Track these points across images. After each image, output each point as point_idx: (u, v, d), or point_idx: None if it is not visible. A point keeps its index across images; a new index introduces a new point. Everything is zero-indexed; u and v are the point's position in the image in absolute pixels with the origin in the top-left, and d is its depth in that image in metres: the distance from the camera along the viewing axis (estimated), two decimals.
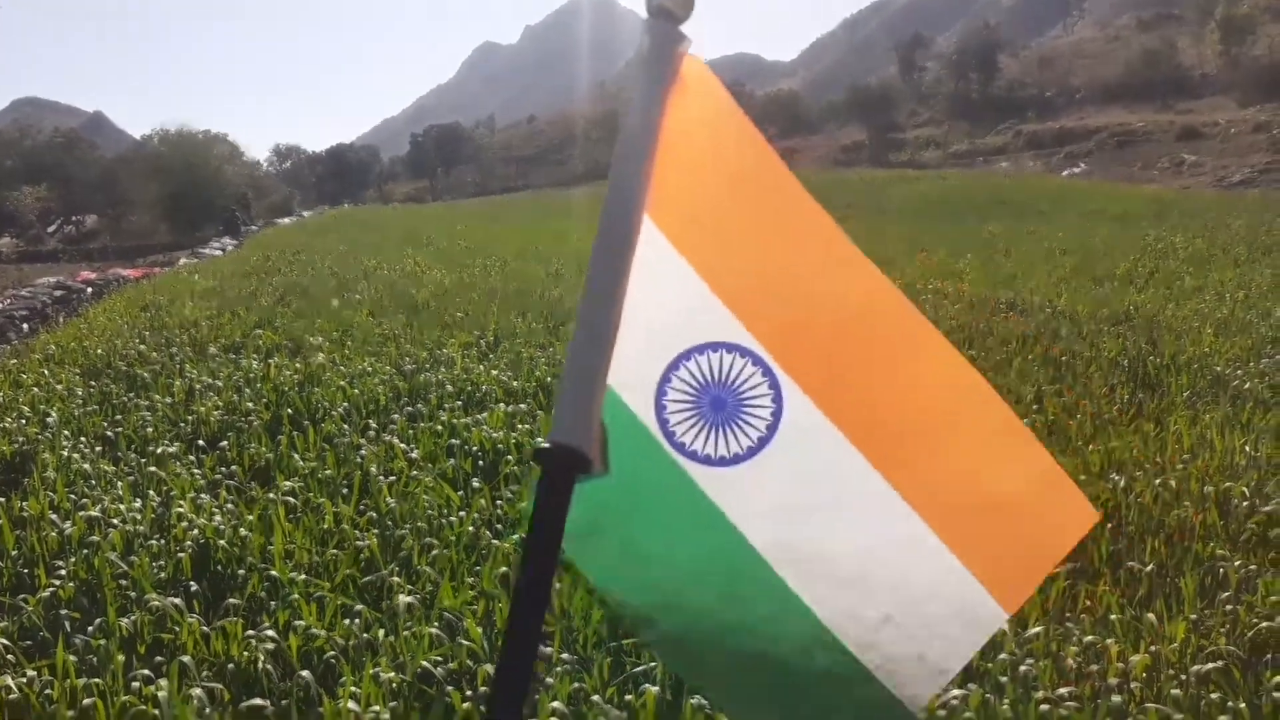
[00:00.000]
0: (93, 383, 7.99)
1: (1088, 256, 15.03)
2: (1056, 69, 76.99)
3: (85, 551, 4.42)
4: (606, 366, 1.13)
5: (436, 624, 3.69)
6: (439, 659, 3.47)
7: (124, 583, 4.15)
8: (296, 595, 3.96)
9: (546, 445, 1.09)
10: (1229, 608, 3.64)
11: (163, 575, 4.26)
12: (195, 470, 5.61)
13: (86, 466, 5.66)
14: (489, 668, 3.35)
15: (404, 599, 3.81)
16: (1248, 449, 5.31)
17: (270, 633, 3.70)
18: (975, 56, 72.87)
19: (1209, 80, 59.29)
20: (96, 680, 3.39)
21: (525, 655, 1.07)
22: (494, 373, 7.59)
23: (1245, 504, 4.50)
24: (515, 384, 7.24)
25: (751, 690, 1.28)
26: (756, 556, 1.22)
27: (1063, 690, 3.14)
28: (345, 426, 6.28)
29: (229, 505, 5.00)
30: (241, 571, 4.29)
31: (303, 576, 4.14)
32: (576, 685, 3.31)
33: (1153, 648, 3.39)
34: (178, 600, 3.91)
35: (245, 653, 3.58)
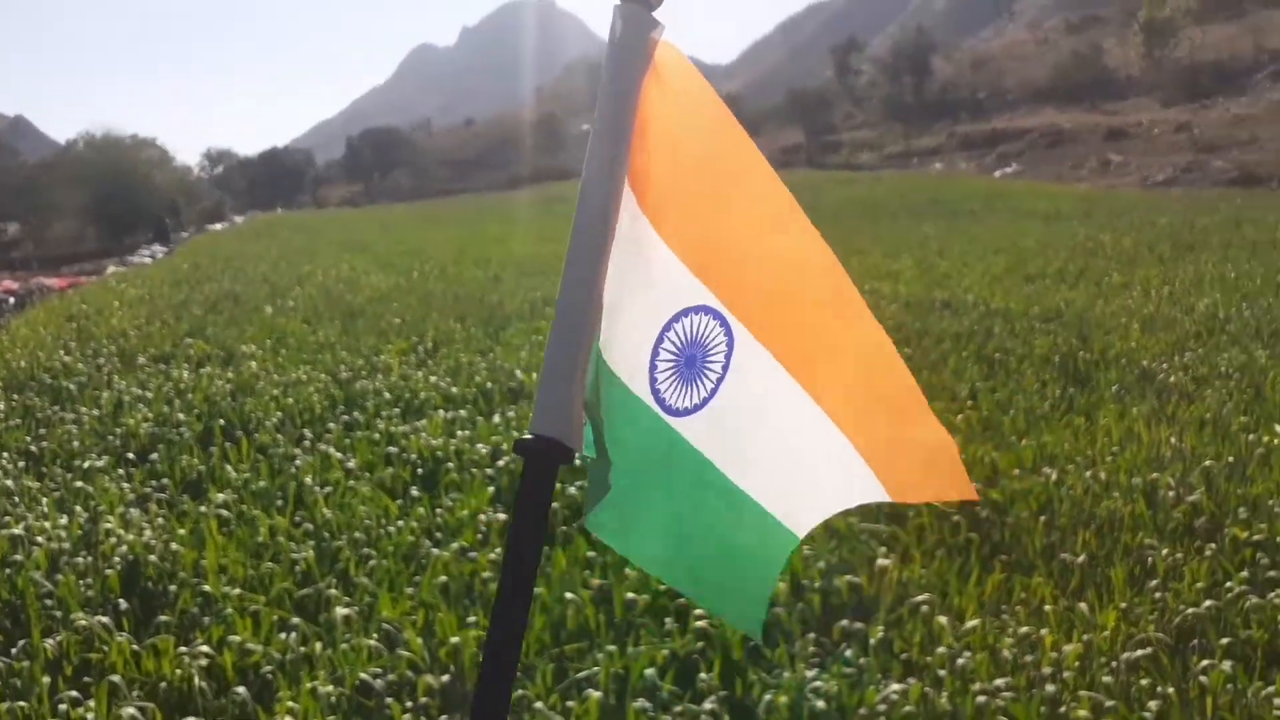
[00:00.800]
0: (15, 396, 7.75)
1: (1019, 255, 15.35)
2: (988, 71, 78.58)
3: (8, 571, 4.27)
4: (587, 356, 1.16)
5: (375, 636, 3.63)
6: (378, 671, 3.41)
7: (49, 602, 4.02)
8: (230, 610, 3.87)
9: (528, 437, 1.10)
10: (1157, 596, 3.73)
11: (90, 594, 4.13)
12: (124, 484, 5.46)
13: (9, 483, 5.48)
14: (429, 678, 3.31)
15: (341, 611, 3.75)
16: (1173, 440, 5.45)
17: (204, 649, 3.61)
18: (909, 60, 74.07)
19: (1133, 82, 60.94)
20: (21, 704, 3.28)
21: (510, 645, 1.07)
22: (432, 379, 7.52)
23: (1171, 494, 4.62)
24: (454, 390, 7.17)
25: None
26: (739, 493, 1.34)
27: (999, 681, 3.19)
28: (279, 437, 6.16)
29: (159, 520, 4.88)
30: (173, 587, 4.18)
31: (237, 591, 4.05)
32: (520, 692, 3.28)
33: (1085, 637, 3.46)
34: (106, 619, 3.80)
35: (178, 670, 3.49)
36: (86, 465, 5.76)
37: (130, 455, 6.04)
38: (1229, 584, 3.75)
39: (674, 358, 1.30)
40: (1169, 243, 15.62)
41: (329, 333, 10.04)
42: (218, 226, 44.77)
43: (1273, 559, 3.96)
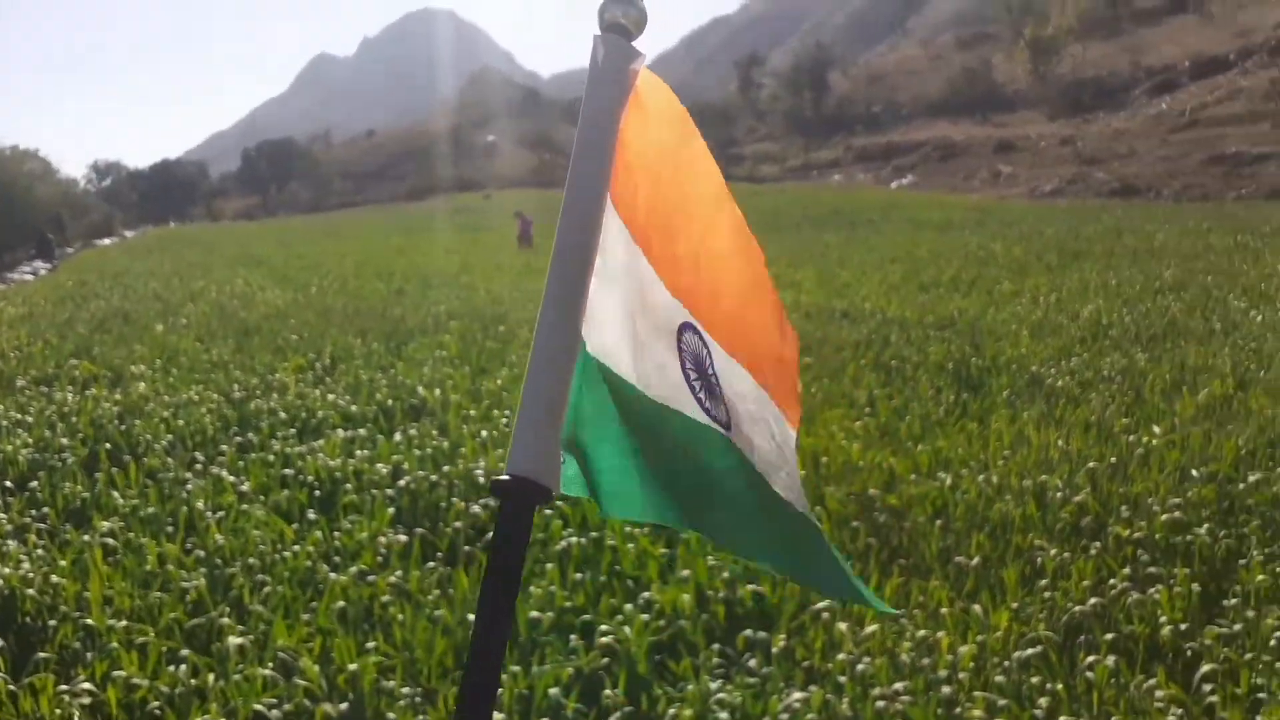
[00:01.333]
0: None
1: (915, 264, 15.77)
2: (883, 86, 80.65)
3: None
4: (566, 392, 1.14)
5: (270, 665, 3.52)
6: (273, 701, 3.31)
7: None
8: (116, 644, 3.71)
9: (504, 477, 1.06)
10: (1046, 595, 3.86)
11: None
12: (0, 515, 5.19)
13: None
14: (327, 707, 3.22)
15: (235, 640, 3.62)
16: (1060, 443, 5.65)
17: (86, 686, 3.45)
18: (808, 74, 75.59)
19: (1021, 96, 63.25)
20: None
21: (488, 686, 1.05)
22: (330, 397, 7.35)
23: (1059, 495, 4.79)
24: (354, 409, 7.02)
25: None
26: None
27: (898, 685, 3.25)
28: (170, 460, 5.94)
29: (39, 551, 4.64)
30: (53, 622, 3.98)
31: (123, 623, 3.88)
32: (420, 718, 3.22)
33: (979, 638, 3.55)
34: None
35: (58, 710, 3.33)
36: None
37: (8, 483, 5.74)
38: (1112, 581, 3.90)
39: (698, 377, 1.35)
40: (1056, 252, 16.24)
41: (222, 351, 9.74)
42: (106, 241, 43.07)
43: (1152, 556, 4.13)
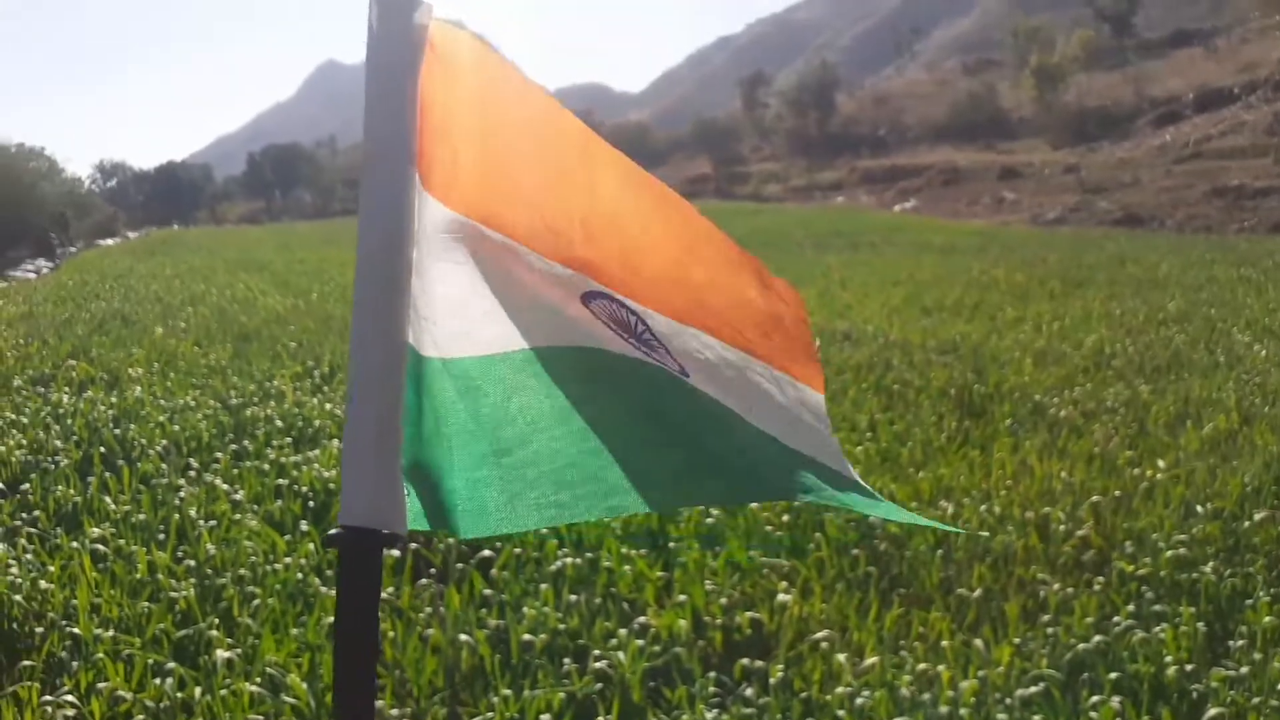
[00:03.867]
0: None
1: (917, 288, 15.74)
2: (889, 108, 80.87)
3: None
4: (396, 413, 1.02)
5: (258, 680, 3.46)
6: (260, 718, 3.24)
7: None
8: (102, 654, 3.64)
9: (337, 530, 0.97)
10: (1050, 630, 3.80)
11: None
12: None
13: None
14: None
15: (223, 654, 3.56)
16: (1064, 474, 5.60)
17: (69, 698, 3.39)
18: (813, 95, 75.80)
19: (1025, 123, 63.41)
20: None
21: None
22: (328, 406, 7.29)
23: (1062, 528, 4.73)
24: None
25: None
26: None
27: None
28: (164, 466, 5.88)
29: (28, 556, 4.58)
30: (40, 629, 3.92)
31: (110, 633, 3.82)
32: None
33: (981, 673, 3.49)
34: None
35: None
36: None
37: (0, 485, 5.69)
38: (1116, 618, 3.84)
39: (625, 332, 1.27)
40: (1059, 279, 16.21)
41: (221, 356, 9.69)
42: (109, 241, 43.06)
43: (1157, 593, 4.07)
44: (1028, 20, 79.05)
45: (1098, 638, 3.66)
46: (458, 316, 1.17)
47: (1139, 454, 6.03)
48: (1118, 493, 5.24)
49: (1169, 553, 4.35)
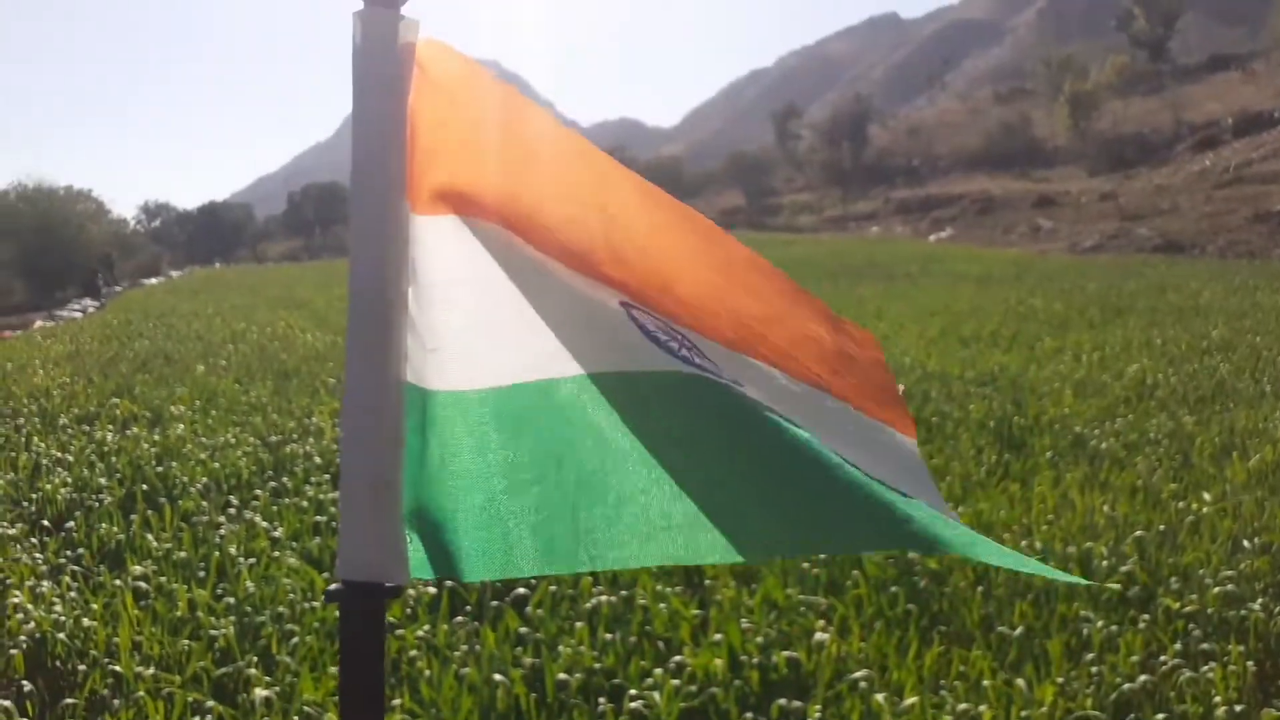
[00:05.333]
0: None
1: (954, 318, 15.62)
2: (922, 138, 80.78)
3: None
4: (394, 457, 0.99)
5: (296, 719, 3.47)
6: None
7: None
8: (143, 692, 3.68)
9: (337, 585, 0.95)
10: (1094, 669, 3.72)
11: None
12: (37, 554, 5.21)
13: None
14: None
15: (261, 693, 3.58)
16: (1106, 508, 5.50)
17: None
18: (846, 126, 75.94)
19: (1061, 151, 63.05)
20: None
21: None
22: None
23: (1106, 563, 4.65)
24: None
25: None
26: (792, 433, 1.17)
27: None
28: (204, 504, 5.95)
29: (72, 593, 4.65)
30: (82, 667, 3.97)
31: (151, 670, 3.86)
32: None
33: (1024, 714, 3.43)
34: (8, 703, 3.59)
35: None
36: None
37: (46, 523, 5.78)
38: (1163, 657, 3.75)
39: (670, 338, 1.16)
40: (1098, 307, 16.03)
41: (261, 393, 9.81)
42: (153, 281, 43.89)
43: (1204, 631, 3.98)
44: (1061, 48, 78.82)
45: (1144, 677, 3.59)
46: (467, 345, 1.11)
47: (1183, 487, 5.92)
48: (1162, 527, 5.15)
49: (1216, 589, 4.26)
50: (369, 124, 1.01)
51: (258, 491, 6.18)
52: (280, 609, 4.34)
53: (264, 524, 5.46)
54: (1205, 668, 3.63)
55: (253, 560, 4.95)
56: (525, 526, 1.07)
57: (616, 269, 1.19)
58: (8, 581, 4.80)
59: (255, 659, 3.94)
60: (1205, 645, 3.84)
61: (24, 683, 3.82)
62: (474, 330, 1.12)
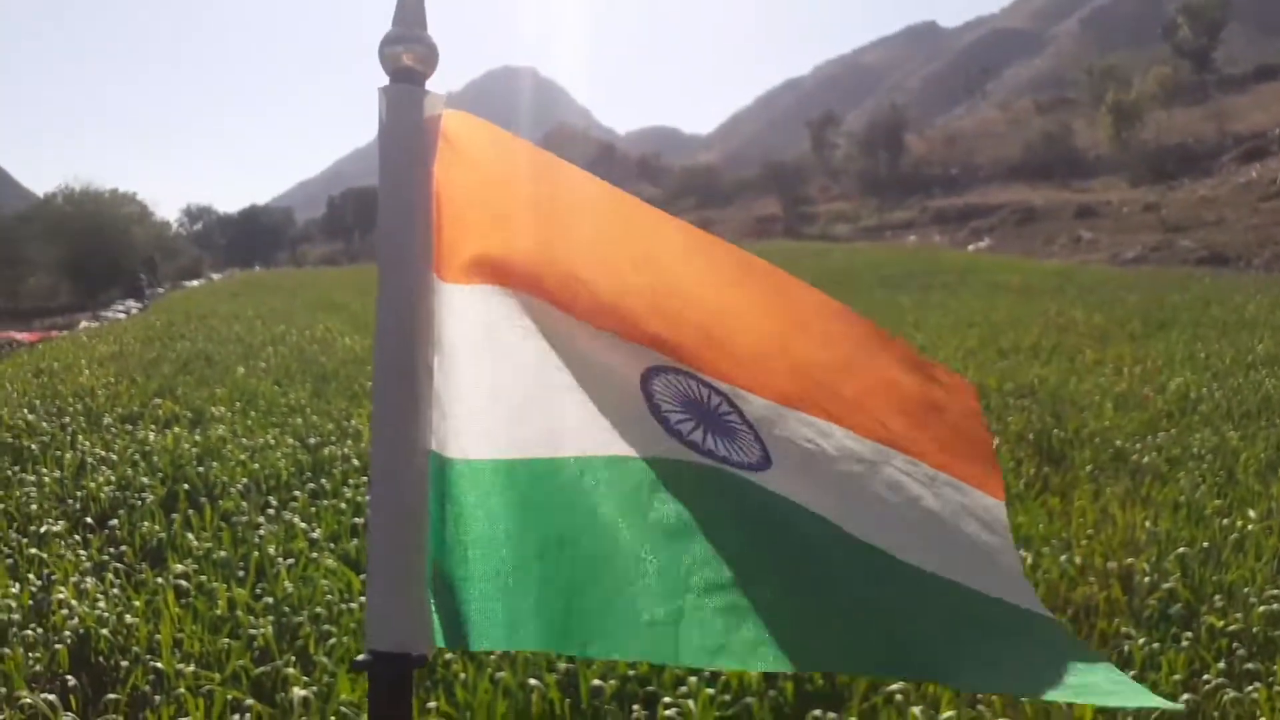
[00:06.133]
0: None
1: (993, 329, 15.47)
2: (960, 148, 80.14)
3: None
4: (421, 525, 0.99)
5: (333, 718, 3.51)
6: None
7: None
8: (183, 689, 3.73)
9: (365, 656, 0.95)
10: None
11: (38, 669, 3.98)
12: (81, 551, 5.31)
13: None
14: None
15: (299, 692, 3.62)
16: (1148, 524, 5.42)
17: None
18: (883, 134, 75.55)
19: (1102, 161, 62.26)
20: None
21: None
22: None
23: (1148, 580, 4.58)
24: None
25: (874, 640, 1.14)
26: (840, 534, 1.15)
27: None
28: (244, 504, 6.03)
29: (115, 590, 4.72)
30: (125, 663, 4.03)
31: (191, 668, 3.91)
32: None
33: None
34: (52, 697, 3.65)
35: None
36: (44, 530, 5.59)
37: (89, 520, 5.88)
38: (1206, 676, 3.69)
39: (687, 414, 1.14)
40: (1140, 320, 15.80)
41: (300, 395, 9.92)
42: (194, 283, 44.53)
43: (1249, 650, 3.91)
44: (1103, 58, 77.98)
45: (1186, 696, 3.53)
46: (484, 414, 1.10)
47: (1228, 503, 5.82)
48: (1206, 544, 5.06)
49: (1261, 608, 4.18)
50: (396, 196, 1.04)
51: (296, 493, 6.25)
52: (318, 609, 4.39)
53: (302, 525, 5.53)
54: (1250, 688, 3.57)
55: (291, 561, 5.01)
56: (529, 600, 1.07)
57: (656, 322, 1.18)
58: (53, 577, 4.89)
59: (293, 658, 3.98)
60: (1250, 665, 3.77)
61: (68, 677, 3.89)
62: (491, 400, 1.12)
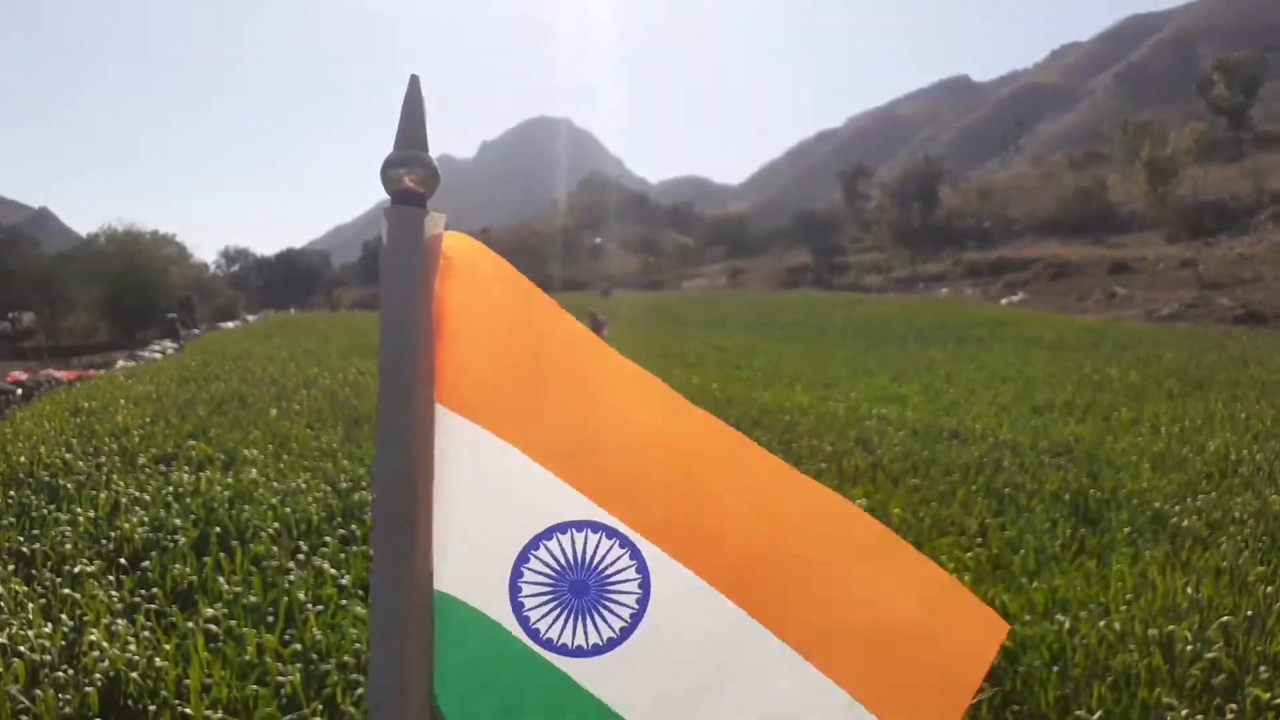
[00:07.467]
0: (11, 493, 7.65)
1: (1026, 385, 15.33)
2: (993, 201, 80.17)
3: None
4: (423, 673, 1.01)
5: None
6: None
7: (24, 719, 3.87)
8: None
9: None
10: None
11: (68, 710, 3.99)
12: (113, 592, 5.33)
13: None
14: None
15: None
16: (1189, 590, 5.31)
17: None
18: (916, 187, 75.73)
19: (1137, 217, 62.04)
20: None
21: None
22: None
23: (1190, 648, 4.47)
24: None
25: None
26: None
27: None
28: (275, 548, 6.04)
29: (145, 632, 4.73)
30: (153, 707, 4.03)
31: (219, 715, 3.90)
32: None
33: None
34: None
35: None
36: (77, 570, 5.63)
37: (123, 560, 5.91)
38: None
39: (550, 581, 1.11)
40: (1177, 379, 15.61)
41: (332, 439, 9.98)
42: (230, 324, 45.13)
43: None
44: (1137, 114, 77.98)
45: None
46: (449, 546, 1.10)
47: (1272, 570, 5.69)
48: (1249, 612, 4.94)
49: None
50: (398, 317, 1.06)
51: (327, 538, 6.26)
52: (346, 658, 4.37)
53: (332, 571, 5.52)
54: None
55: (320, 607, 5.00)
56: None
57: (604, 479, 1.13)
58: (85, 618, 4.91)
59: (320, 707, 3.96)
60: None
61: None
62: (452, 534, 1.11)
